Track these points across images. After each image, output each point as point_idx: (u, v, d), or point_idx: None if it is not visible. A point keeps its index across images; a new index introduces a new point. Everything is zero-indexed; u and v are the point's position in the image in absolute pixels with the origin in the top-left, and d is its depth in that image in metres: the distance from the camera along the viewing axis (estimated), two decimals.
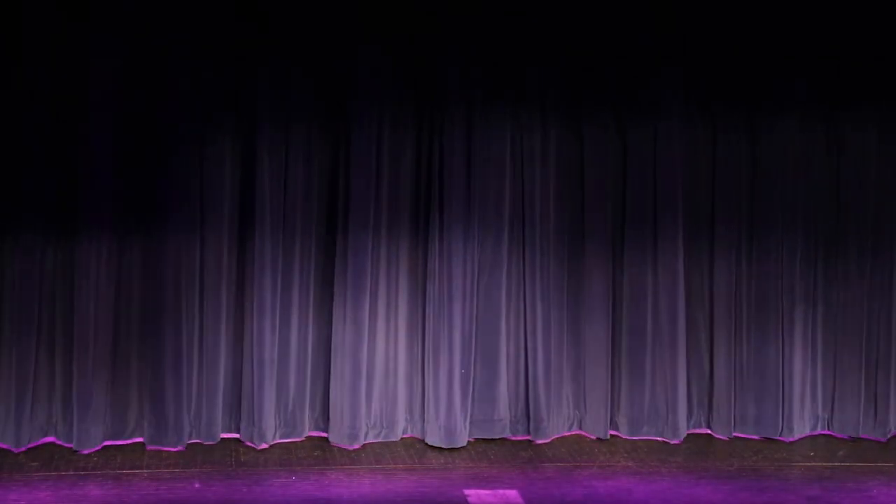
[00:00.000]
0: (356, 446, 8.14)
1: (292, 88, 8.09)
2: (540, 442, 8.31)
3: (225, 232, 8.23)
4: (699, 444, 8.39)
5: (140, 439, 8.27)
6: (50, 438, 8.22)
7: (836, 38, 8.39)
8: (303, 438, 8.28)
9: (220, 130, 8.21)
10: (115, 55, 7.95)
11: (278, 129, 8.13)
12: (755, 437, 8.51)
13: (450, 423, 8.18)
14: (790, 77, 8.36)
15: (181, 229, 8.19)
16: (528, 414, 8.32)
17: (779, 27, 8.36)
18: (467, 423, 8.24)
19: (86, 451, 8.02)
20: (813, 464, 7.96)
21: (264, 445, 8.11)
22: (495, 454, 8.04)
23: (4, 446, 8.11)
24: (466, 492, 7.44)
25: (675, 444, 8.33)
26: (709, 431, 8.59)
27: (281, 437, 8.21)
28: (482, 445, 8.19)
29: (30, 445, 8.12)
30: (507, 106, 8.36)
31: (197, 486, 7.53)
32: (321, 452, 8.17)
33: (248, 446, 8.22)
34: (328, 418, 8.32)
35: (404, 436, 8.40)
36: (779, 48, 8.39)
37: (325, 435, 8.34)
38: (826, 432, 8.56)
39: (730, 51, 8.50)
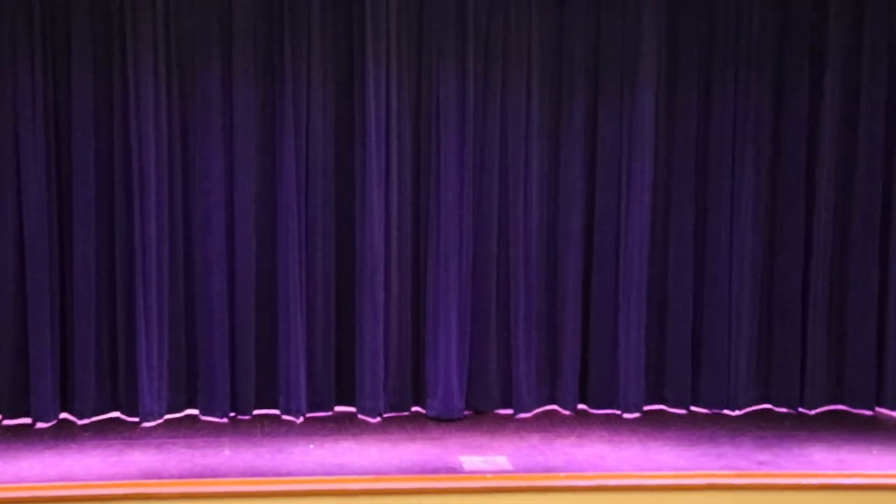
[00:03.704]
0: (375, 419, 8.08)
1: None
2: (523, 416, 8.22)
3: (252, 212, 8.11)
4: (660, 417, 8.31)
5: (190, 412, 8.14)
6: (115, 413, 8.06)
7: None
8: (331, 412, 8.20)
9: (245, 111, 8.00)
10: None
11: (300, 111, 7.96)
12: (706, 410, 8.41)
13: (448, 398, 8.14)
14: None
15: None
16: (511, 391, 8.29)
17: None
18: (463, 399, 8.18)
19: (150, 424, 7.92)
20: (763, 433, 7.93)
21: (300, 420, 8.05)
22: (487, 426, 8.01)
23: (72, 418, 7.94)
24: (462, 458, 7.30)
25: (637, 417, 8.26)
26: (665, 407, 8.44)
27: (310, 412, 8.14)
28: (475, 418, 8.17)
29: (94, 419, 7.94)
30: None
31: (227, 452, 7.36)
32: (335, 424, 8.05)
33: (273, 418, 8.12)
34: (351, 395, 8.26)
35: (410, 410, 8.28)
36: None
37: (347, 409, 8.24)
38: (767, 406, 8.49)
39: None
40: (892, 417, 8.38)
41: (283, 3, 7.91)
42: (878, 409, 8.43)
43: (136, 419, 7.95)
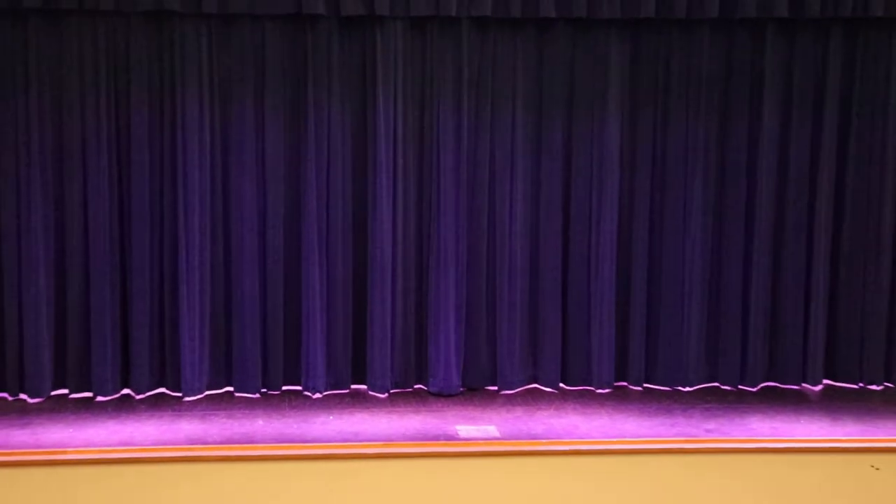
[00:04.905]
0: (385, 395, 8.22)
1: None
2: (509, 392, 8.33)
3: (281, 221, 8.14)
4: (625, 393, 8.40)
5: (228, 389, 8.26)
6: (162, 389, 8.20)
7: None
8: (347, 390, 8.31)
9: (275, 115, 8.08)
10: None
11: (322, 124, 8.06)
12: (663, 387, 8.48)
13: (446, 377, 8.25)
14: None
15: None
16: (500, 371, 8.39)
17: None
18: (459, 378, 8.31)
19: (191, 398, 8.06)
20: (710, 406, 8.08)
21: (319, 395, 8.15)
22: (479, 400, 8.14)
23: (131, 392, 8.10)
24: (457, 427, 7.48)
25: (606, 392, 8.37)
26: (628, 384, 8.50)
27: (329, 389, 8.26)
28: (469, 394, 8.29)
29: (147, 394, 8.10)
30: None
31: (260, 422, 7.57)
32: (350, 399, 8.14)
33: (298, 394, 8.20)
34: (364, 375, 8.31)
35: (414, 387, 8.39)
36: None
37: (360, 387, 8.32)
38: (714, 384, 8.54)
39: None
40: (814, 392, 8.46)
41: (307, 48, 8.00)
42: (803, 385, 8.54)
43: (180, 394, 8.06)
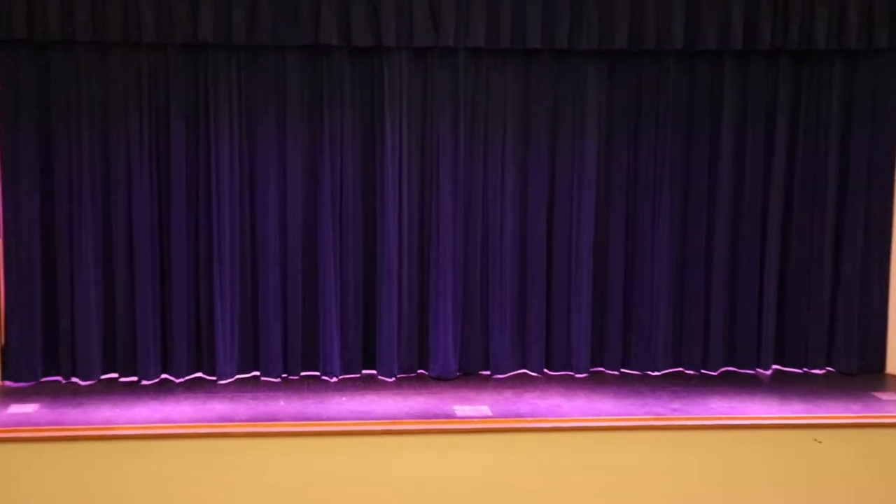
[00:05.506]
0: (392, 379, 8.46)
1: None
2: (500, 377, 8.54)
3: (300, 227, 8.31)
4: (601, 377, 8.63)
5: (254, 374, 8.48)
6: (199, 374, 8.45)
7: None
8: (359, 374, 8.55)
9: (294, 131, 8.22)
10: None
11: (335, 141, 8.26)
12: (635, 371, 8.76)
13: (445, 363, 8.48)
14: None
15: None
16: (492, 358, 8.67)
17: None
18: (456, 364, 8.56)
19: (223, 381, 8.31)
20: (676, 388, 8.37)
21: (335, 379, 8.39)
22: (474, 383, 8.36)
23: (170, 377, 8.35)
24: (455, 407, 7.63)
25: (585, 377, 8.61)
26: (604, 369, 8.77)
27: (343, 374, 8.49)
28: (465, 378, 8.51)
29: (185, 378, 8.33)
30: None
31: (282, 403, 7.72)
32: (361, 383, 8.35)
33: (315, 378, 8.40)
34: (373, 361, 8.53)
35: (417, 372, 8.66)
36: None
37: (370, 372, 8.54)
38: (679, 369, 8.72)
39: None
40: (766, 375, 8.69)
41: (323, 75, 8.22)
42: (757, 369, 8.76)
43: (214, 378, 8.28)
